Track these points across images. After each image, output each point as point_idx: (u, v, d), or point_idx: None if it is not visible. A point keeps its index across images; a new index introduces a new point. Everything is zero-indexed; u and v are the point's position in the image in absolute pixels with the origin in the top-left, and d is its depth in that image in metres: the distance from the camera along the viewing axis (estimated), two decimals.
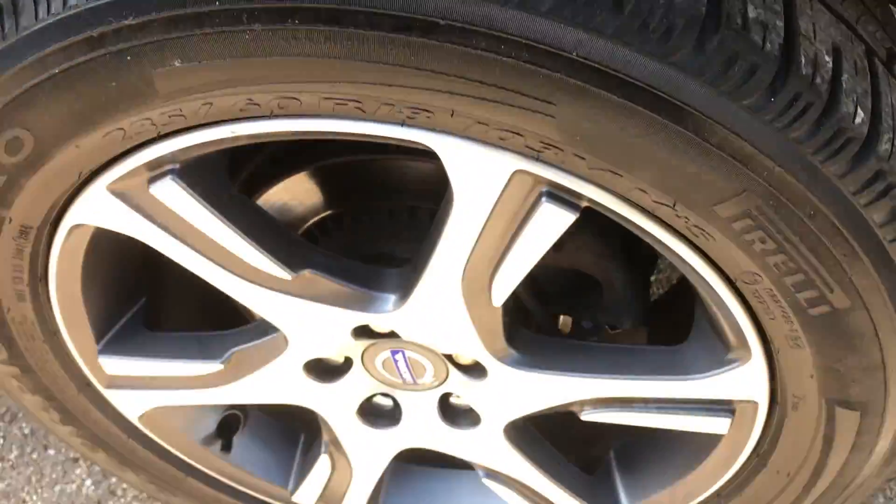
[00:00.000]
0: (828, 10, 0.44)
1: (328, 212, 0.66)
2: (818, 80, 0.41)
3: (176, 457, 0.78)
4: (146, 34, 0.42)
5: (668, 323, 0.69)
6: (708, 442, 0.65)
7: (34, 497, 0.98)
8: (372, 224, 0.66)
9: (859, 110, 0.42)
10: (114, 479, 0.98)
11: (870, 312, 0.48)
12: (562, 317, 0.71)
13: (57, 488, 0.99)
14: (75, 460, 1.00)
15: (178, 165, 0.51)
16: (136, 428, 0.74)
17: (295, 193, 0.64)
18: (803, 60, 0.40)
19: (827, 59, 0.41)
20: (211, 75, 0.43)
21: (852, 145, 0.42)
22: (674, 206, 0.45)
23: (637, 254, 0.55)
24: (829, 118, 0.41)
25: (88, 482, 0.99)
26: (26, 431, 1.03)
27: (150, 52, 0.43)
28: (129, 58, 0.43)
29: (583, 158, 0.43)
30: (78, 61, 0.44)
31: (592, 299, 0.66)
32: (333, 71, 0.41)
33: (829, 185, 0.43)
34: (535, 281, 0.65)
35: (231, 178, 0.62)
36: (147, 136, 0.48)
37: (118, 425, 0.74)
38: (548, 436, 0.74)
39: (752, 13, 0.40)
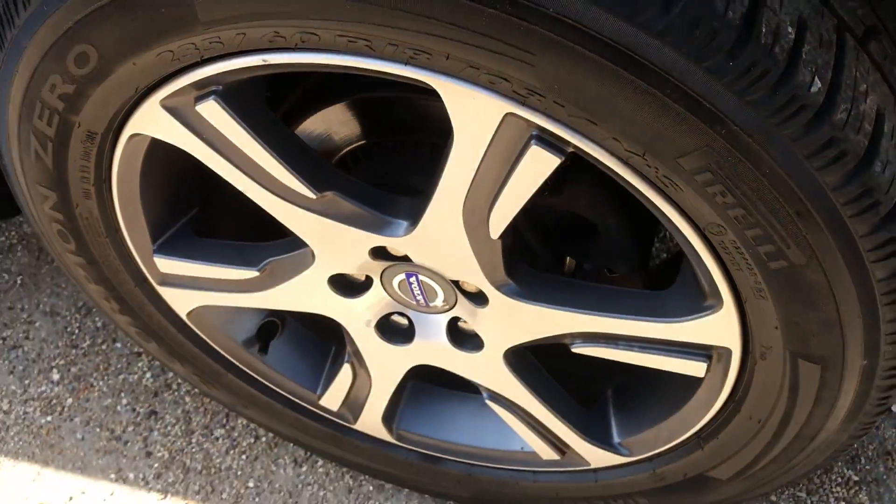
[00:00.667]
0: None
1: (360, 143, 0.73)
2: (777, 49, 0.44)
3: (219, 354, 0.87)
4: None
5: (665, 273, 0.73)
6: (690, 386, 0.70)
7: (100, 383, 1.10)
8: (397, 156, 0.72)
9: (816, 80, 0.45)
10: (171, 375, 1.10)
11: (825, 270, 0.52)
12: (567, 258, 0.76)
13: (121, 377, 1.10)
14: (138, 354, 1.11)
15: (220, 87, 0.58)
16: (184, 324, 0.84)
17: (330, 125, 0.71)
18: (764, 30, 0.44)
19: (790, 30, 0.45)
20: (243, 8, 0.49)
21: (806, 112, 0.45)
22: (643, 155, 0.49)
23: (637, 206, 0.59)
24: (784, 85, 0.45)
25: (148, 374, 1.10)
26: (98, 325, 1.15)
27: None
28: None
29: (562, 106, 0.48)
30: None
31: (593, 244, 0.71)
32: (343, 11, 0.47)
33: (784, 148, 0.46)
34: (542, 223, 0.71)
35: (274, 109, 0.69)
36: (192, 59, 0.55)
37: (168, 320, 0.83)
38: (551, 370, 0.81)
39: None
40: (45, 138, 0.64)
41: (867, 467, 0.99)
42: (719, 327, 0.61)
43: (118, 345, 1.13)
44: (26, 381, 1.10)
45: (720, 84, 0.44)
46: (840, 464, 0.99)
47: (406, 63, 0.50)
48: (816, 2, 0.47)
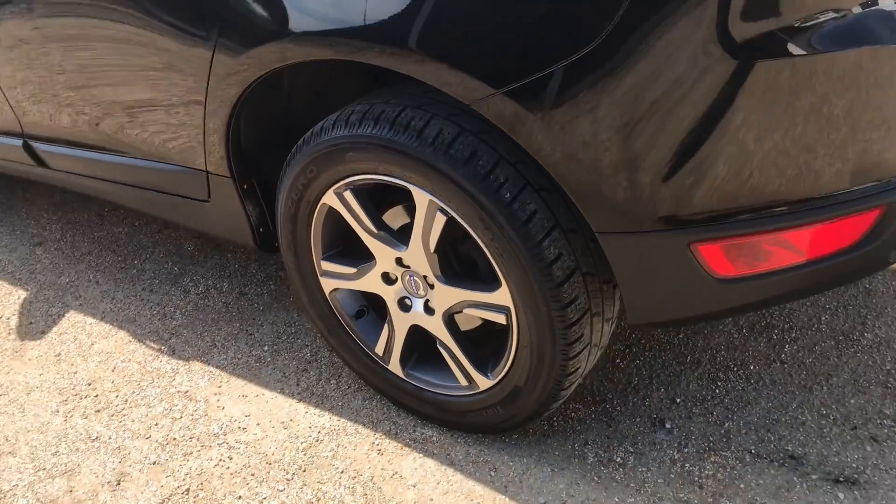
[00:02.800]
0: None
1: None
2: None
3: (337, 318, 1.94)
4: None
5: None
6: (506, 337, 1.65)
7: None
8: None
9: None
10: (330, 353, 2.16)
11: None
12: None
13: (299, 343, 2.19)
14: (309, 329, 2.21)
15: (353, 186, 1.70)
16: (326, 298, 1.92)
17: (394, 217, 1.79)
18: None
19: None
20: (358, 166, 1.62)
21: None
22: (468, 220, 1.53)
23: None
24: None
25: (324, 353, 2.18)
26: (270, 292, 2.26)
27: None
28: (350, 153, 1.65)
29: (446, 199, 1.55)
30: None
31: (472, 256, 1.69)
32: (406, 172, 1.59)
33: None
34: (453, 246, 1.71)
35: (374, 202, 1.79)
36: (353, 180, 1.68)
37: (321, 296, 1.92)
38: (470, 335, 1.77)
39: None
40: (295, 203, 1.79)
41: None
42: (503, 296, 1.58)
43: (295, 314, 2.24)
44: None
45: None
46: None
47: (406, 181, 1.58)
48: None
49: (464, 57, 1.33)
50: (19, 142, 2.41)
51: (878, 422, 1.78)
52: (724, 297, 1.41)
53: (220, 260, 2.63)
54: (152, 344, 2.28)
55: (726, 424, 1.81)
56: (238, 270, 2.57)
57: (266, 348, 2.22)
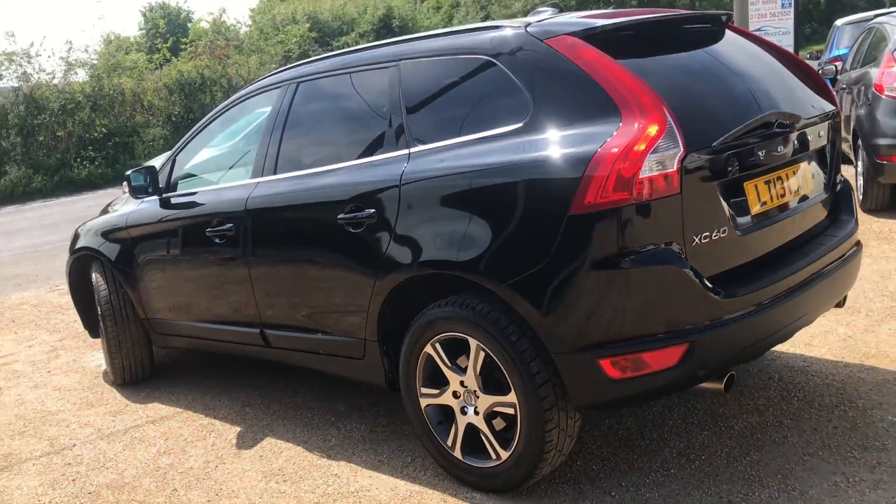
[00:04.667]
0: None
1: None
2: None
3: (428, 424, 3.36)
4: None
5: None
6: (513, 426, 3.03)
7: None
8: None
9: None
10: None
11: None
12: None
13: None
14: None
15: (440, 340, 3.21)
16: (422, 412, 3.36)
17: (460, 361, 3.28)
18: None
19: None
20: (442, 327, 3.17)
21: None
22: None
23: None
24: None
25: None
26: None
27: None
28: None
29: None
30: None
31: None
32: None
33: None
34: None
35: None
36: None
37: (419, 411, 3.37)
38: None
39: None
40: (409, 353, 3.30)
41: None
42: (513, 398, 2.99)
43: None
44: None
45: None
46: None
47: (466, 335, 3.10)
48: None
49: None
50: (257, 329, 4.10)
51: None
52: (616, 390, 2.79)
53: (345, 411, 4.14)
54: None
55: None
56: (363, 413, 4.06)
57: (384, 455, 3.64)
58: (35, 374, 5.49)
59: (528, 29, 3.03)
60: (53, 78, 20.32)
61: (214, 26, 26.77)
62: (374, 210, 3.24)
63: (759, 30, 15.28)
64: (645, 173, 2.57)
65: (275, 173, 3.82)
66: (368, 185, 3.31)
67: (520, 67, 2.96)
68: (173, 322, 4.59)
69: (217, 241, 4.01)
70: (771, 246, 3.02)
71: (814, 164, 3.33)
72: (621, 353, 2.72)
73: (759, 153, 2.87)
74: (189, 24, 48.85)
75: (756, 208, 2.93)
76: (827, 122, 3.39)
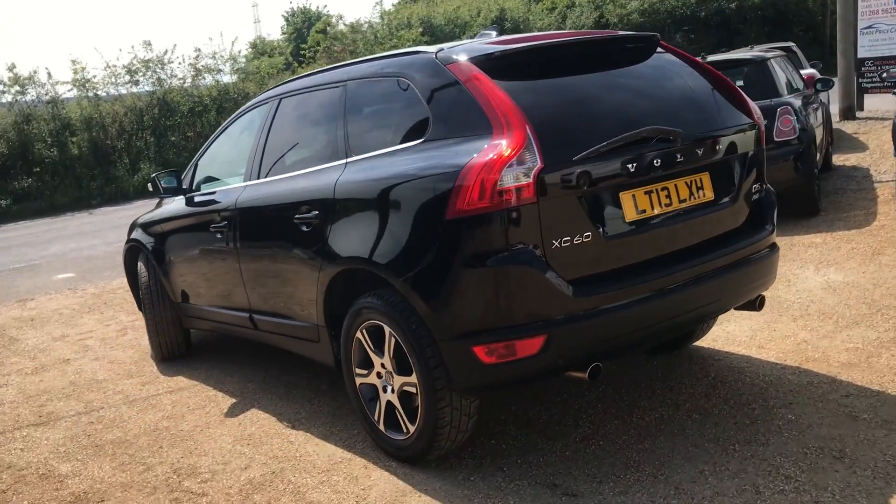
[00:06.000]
0: None
1: None
2: None
3: (361, 400, 3.83)
4: None
5: None
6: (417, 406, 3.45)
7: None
8: None
9: None
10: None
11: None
12: None
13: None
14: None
15: (366, 328, 3.68)
16: (357, 390, 3.84)
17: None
18: None
19: None
20: (367, 317, 3.63)
21: None
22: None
23: None
24: None
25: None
26: None
27: None
28: None
29: None
30: None
31: None
32: None
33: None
34: None
35: None
36: None
37: (355, 388, 3.85)
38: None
39: None
40: (345, 338, 3.79)
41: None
42: (415, 378, 3.42)
43: None
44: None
45: None
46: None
47: (383, 323, 3.56)
48: None
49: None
50: (247, 314, 4.69)
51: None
52: (490, 374, 3.16)
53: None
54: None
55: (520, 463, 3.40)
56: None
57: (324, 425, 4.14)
58: (100, 348, 6.34)
59: (438, 55, 3.44)
60: (184, 82, 22.00)
61: (334, 30, 27.97)
62: (317, 212, 3.74)
63: (870, 27, 14.75)
64: (503, 184, 2.94)
65: (258, 178, 4.40)
66: (315, 190, 3.81)
67: (426, 89, 3.38)
68: (192, 306, 5.27)
69: (218, 235, 4.63)
70: (656, 250, 3.28)
71: (721, 173, 3.54)
72: (491, 342, 3.09)
73: (633, 166, 3.15)
74: (328, 28, 51.01)
75: (633, 216, 3.21)
76: (740, 135, 3.60)
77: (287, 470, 3.72)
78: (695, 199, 3.43)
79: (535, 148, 2.96)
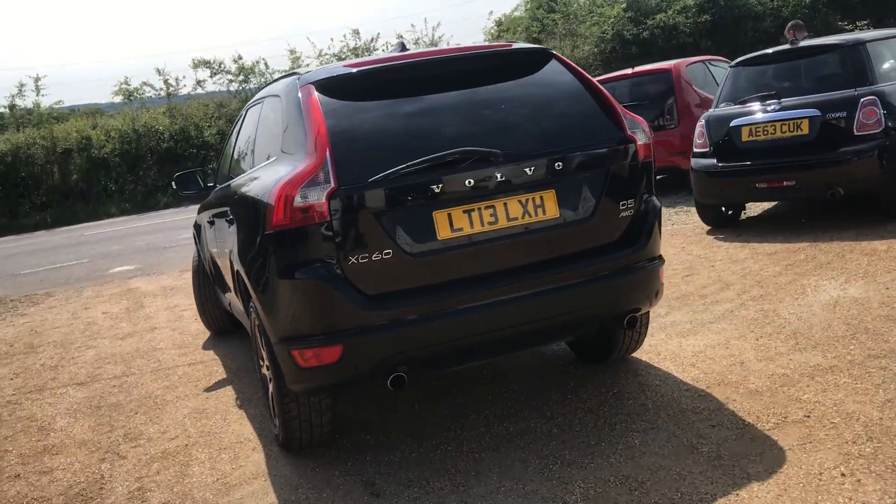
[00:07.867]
0: None
1: None
2: None
3: (266, 387, 4.25)
4: None
5: None
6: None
7: None
8: None
9: None
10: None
11: None
12: None
13: None
14: None
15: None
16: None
17: None
18: None
19: None
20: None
21: None
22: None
23: None
24: None
25: None
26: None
27: None
28: None
29: None
30: None
31: None
32: None
33: None
34: None
35: None
36: None
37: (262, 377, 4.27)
38: None
39: None
40: None
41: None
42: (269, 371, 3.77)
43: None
44: None
45: None
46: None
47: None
48: None
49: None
50: (227, 298, 5.26)
51: None
52: (309, 378, 3.44)
53: None
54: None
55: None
56: None
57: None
58: (180, 322, 7.27)
59: (301, 76, 3.72)
60: None
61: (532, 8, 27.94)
62: (229, 211, 4.24)
63: None
64: (298, 203, 3.20)
65: (231, 175, 4.94)
66: (231, 194, 4.31)
67: (286, 109, 3.70)
68: (217, 288, 5.95)
69: (213, 225, 5.25)
70: (481, 267, 3.36)
71: (572, 191, 3.50)
72: (304, 347, 3.36)
73: (439, 186, 3.24)
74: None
75: (447, 234, 3.31)
76: (602, 151, 3.53)
77: (197, 444, 4.23)
78: (530, 217, 3.42)
79: (331, 169, 3.18)
